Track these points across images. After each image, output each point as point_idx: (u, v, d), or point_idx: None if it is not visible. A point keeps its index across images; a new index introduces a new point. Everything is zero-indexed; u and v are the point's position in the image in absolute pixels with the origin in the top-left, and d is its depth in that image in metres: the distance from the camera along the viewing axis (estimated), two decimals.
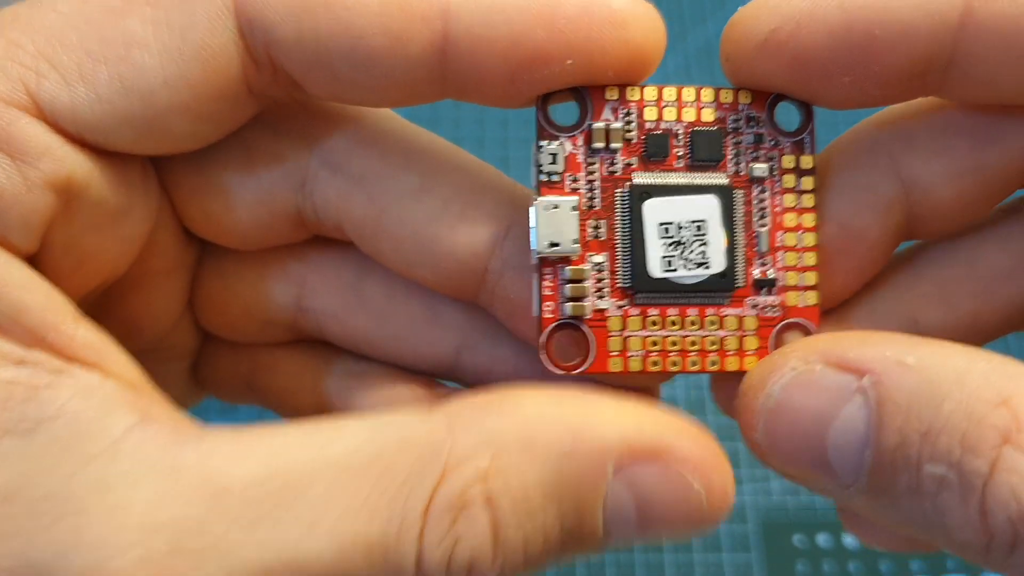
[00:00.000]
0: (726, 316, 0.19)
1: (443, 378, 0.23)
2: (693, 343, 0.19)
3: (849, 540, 0.40)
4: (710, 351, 0.19)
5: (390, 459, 0.15)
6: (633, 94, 0.18)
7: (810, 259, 0.19)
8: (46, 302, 0.16)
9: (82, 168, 0.17)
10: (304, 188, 0.20)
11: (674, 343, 0.19)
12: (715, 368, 0.19)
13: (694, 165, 0.19)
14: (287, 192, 0.21)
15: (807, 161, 0.19)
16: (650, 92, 0.18)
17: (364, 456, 0.15)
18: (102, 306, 0.20)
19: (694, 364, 0.19)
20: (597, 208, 0.18)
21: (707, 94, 0.19)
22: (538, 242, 0.18)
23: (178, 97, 0.17)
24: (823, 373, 0.16)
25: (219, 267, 0.23)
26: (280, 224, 0.21)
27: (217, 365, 0.24)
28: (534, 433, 0.16)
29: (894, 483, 0.15)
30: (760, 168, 0.19)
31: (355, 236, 0.21)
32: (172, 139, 0.18)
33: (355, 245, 0.21)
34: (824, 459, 0.16)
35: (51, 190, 0.17)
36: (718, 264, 0.18)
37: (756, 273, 0.19)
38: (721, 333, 0.19)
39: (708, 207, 0.18)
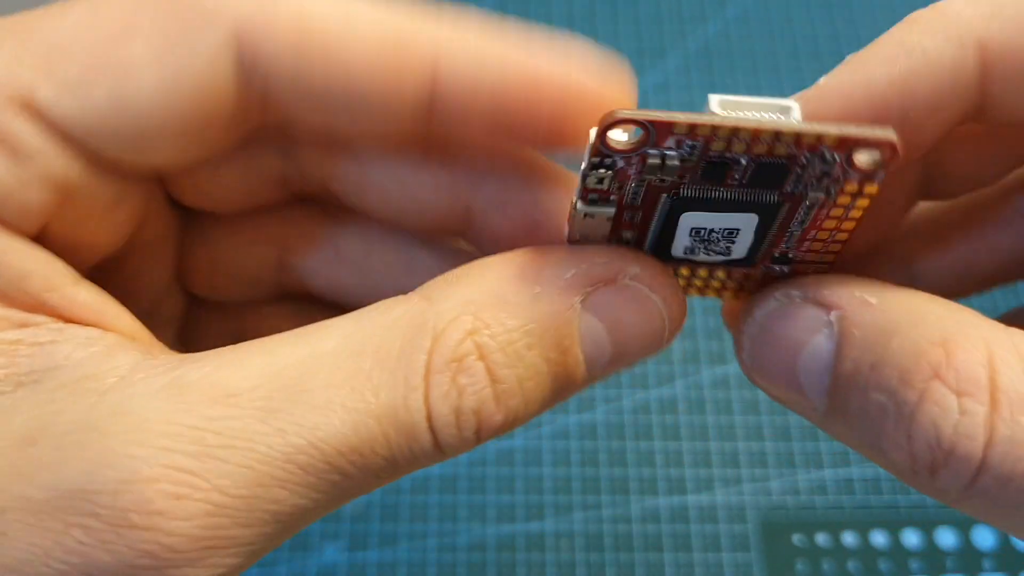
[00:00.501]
0: (735, 272, 0.20)
1: None
2: (703, 285, 0.20)
3: (849, 539, 0.41)
4: (713, 287, 0.21)
5: (381, 338, 0.17)
6: (705, 130, 0.16)
7: (834, 248, 0.19)
8: (47, 268, 0.17)
9: (75, 167, 0.18)
10: (290, 154, 0.22)
11: (684, 286, 0.21)
12: (717, 296, 0.21)
13: (750, 184, 0.17)
14: (274, 159, 0.22)
15: (872, 189, 0.17)
16: (723, 131, 0.16)
17: (356, 341, 0.17)
18: (97, 281, 0.21)
19: (702, 293, 0.21)
20: (636, 205, 0.18)
21: (786, 135, 0.16)
22: (569, 236, 0.19)
23: (170, 124, 0.17)
24: (800, 306, 0.18)
25: (204, 232, 0.24)
26: (266, 189, 0.22)
27: (205, 327, 0.25)
28: (504, 291, 0.18)
29: (847, 407, 0.17)
30: (816, 195, 0.17)
31: (342, 194, 0.22)
32: (162, 158, 0.19)
33: (331, 202, 0.23)
34: (796, 380, 0.18)
35: (46, 187, 0.17)
36: (739, 253, 0.19)
37: (777, 252, 0.19)
38: (726, 279, 0.20)
39: (746, 221, 0.18)
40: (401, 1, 0.18)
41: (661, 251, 0.19)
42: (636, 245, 0.19)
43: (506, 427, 0.18)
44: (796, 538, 0.41)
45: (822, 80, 0.18)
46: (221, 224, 0.23)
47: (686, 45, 0.56)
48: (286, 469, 0.16)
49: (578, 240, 0.19)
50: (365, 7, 0.17)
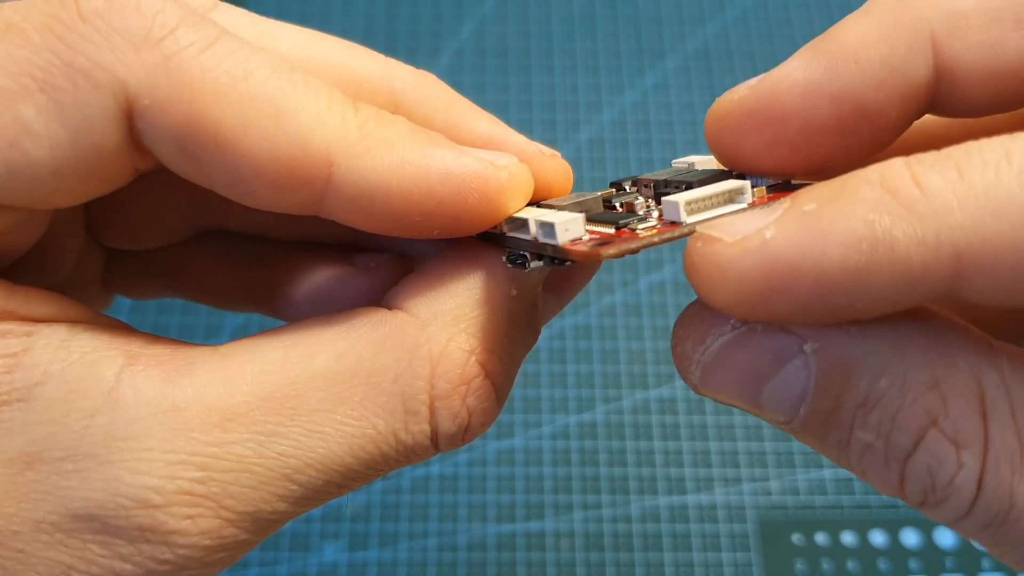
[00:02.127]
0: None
1: (353, 248, 0.23)
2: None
3: (848, 539, 0.41)
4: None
5: (372, 361, 0.17)
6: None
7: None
8: None
9: None
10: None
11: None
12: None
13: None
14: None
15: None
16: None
17: (347, 362, 0.17)
18: (19, 265, 0.20)
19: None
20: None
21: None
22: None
23: (65, 184, 0.17)
24: (765, 334, 0.16)
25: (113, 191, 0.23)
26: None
27: (125, 273, 0.25)
28: (485, 298, 0.18)
29: (824, 436, 0.16)
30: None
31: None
32: (58, 205, 0.18)
33: None
34: (757, 404, 0.16)
35: None
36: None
37: None
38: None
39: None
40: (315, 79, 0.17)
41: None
42: None
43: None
44: (795, 538, 0.41)
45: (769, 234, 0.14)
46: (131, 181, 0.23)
47: (685, 46, 0.56)
48: (286, 487, 0.17)
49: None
50: (266, 99, 0.16)
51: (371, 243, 0.23)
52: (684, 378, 0.17)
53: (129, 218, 0.23)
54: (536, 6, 0.57)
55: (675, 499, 0.41)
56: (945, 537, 0.41)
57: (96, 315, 0.18)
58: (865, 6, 0.17)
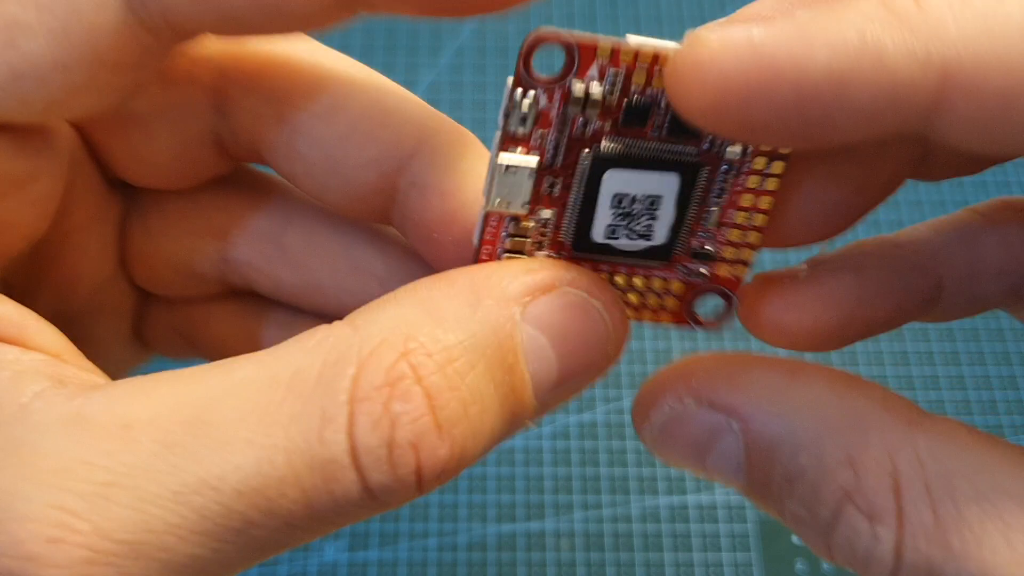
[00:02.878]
0: (654, 278, 0.19)
1: None
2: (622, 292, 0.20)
3: None
4: (631, 304, 0.20)
5: (298, 366, 0.15)
6: (627, 56, 0.16)
7: (753, 238, 0.18)
8: None
9: None
10: (220, 111, 0.20)
11: None
12: (631, 318, 0.20)
13: (668, 136, 0.17)
14: (205, 115, 0.20)
15: (787, 147, 0.17)
16: (645, 55, 0.16)
17: (270, 370, 0.15)
18: (32, 269, 0.20)
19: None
20: (557, 166, 0.17)
21: None
22: (489, 201, 0.17)
23: (73, 77, 0.16)
24: (697, 412, 0.17)
25: (144, 222, 0.23)
26: (202, 152, 0.21)
27: (156, 322, 0.25)
28: (438, 307, 0.16)
29: (765, 504, 0.17)
30: (734, 151, 0.17)
31: (270, 160, 0.21)
32: (75, 111, 0.17)
33: (276, 195, 0.22)
34: (706, 471, 0.18)
35: None
36: (660, 237, 0.18)
37: (695, 244, 0.19)
38: (644, 291, 0.20)
39: (667, 184, 0.17)
40: None
41: (582, 240, 0.18)
42: (556, 230, 0.18)
43: (452, 463, 0.15)
44: (795, 538, 0.41)
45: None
46: (163, 214, 0.23)
47: None
48: (177, 512, 0.14)
49: (496, 209, 0.17)
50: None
51: None
52: (643, 442, 0.19)
53: (157, 251, 0.23)
54: (537, 5, 0.57)
55: (675, 499, 0.41)
56: None
57: (68, 347, 0.17)
58: None
